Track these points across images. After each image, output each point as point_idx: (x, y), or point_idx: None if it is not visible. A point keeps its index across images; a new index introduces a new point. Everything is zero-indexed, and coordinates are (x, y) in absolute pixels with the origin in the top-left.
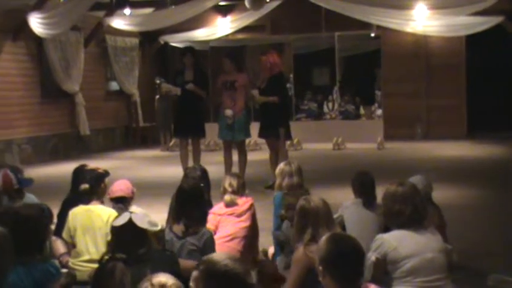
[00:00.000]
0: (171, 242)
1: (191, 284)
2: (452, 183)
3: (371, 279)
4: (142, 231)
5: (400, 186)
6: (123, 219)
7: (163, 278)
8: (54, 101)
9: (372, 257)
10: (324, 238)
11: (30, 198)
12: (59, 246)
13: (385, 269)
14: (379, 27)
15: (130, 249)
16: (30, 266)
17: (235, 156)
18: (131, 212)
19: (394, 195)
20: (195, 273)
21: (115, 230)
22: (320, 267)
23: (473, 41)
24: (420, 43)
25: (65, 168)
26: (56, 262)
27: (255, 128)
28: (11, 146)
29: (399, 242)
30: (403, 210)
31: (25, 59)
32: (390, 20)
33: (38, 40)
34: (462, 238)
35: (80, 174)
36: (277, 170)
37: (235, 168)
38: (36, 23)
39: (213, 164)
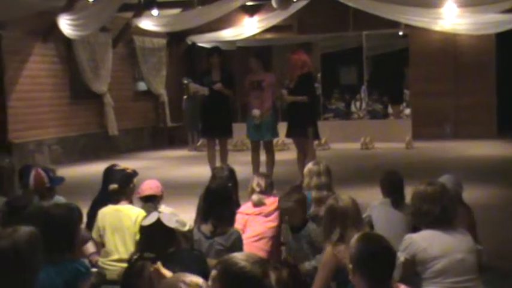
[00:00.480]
0: (199, 242)
1: (209, 282)
2: (482, 182)
3: (400, 280)
4: (171, 231)
5: (430, 186)
6: (151, 218)
7: (194, 278)
8: (83, 102)
9: (400, 257)
10: (355, 237)
11: (60, 200)
12: (89, 246)
13: (414, 269)
14: (407, 25)
15: (159, 248)
16: (60, 265)
17: (263, 156)
18: (159, 212)
19: (423, 195)
20: (213, 273)
21: (143, 230)
22: (350, 266)
23: (503, 39)
24: (449, 41)
25: (94, 168)
26: (86, 261)
27: (282, 127)
28: (42, 147)
29: (428, 242)
30: (432, 210)
31: (55, 60)
32: (419, 19)
33: (67, 41)
34: (492, 238)
35: (109, 174)
36: (305, 170)
37: (263, 168)
38: (65, 24)
39: (241, 164)
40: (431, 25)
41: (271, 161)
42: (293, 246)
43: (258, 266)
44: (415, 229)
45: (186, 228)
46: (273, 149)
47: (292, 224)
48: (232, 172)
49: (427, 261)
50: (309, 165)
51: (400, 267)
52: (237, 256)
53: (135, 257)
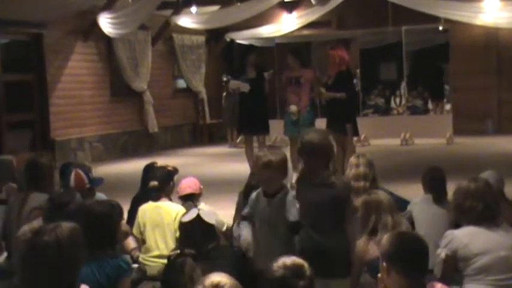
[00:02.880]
0: (239, 239)
1: None
2: None
3: (441, 276)
4: (211, 227)
5: (473, 182)
6: (191, 215)
7: (216, 277)
8: (123, 99)
9: (441, 253)
10: (387, 235)
11: (101, 197)
12: (130, 242)
13: (455, 266)
14: (447, 20)
15: (199, 244)
16: (103, 262)
17: None
18: (199, 209)
19: (466, 191)
20: None
21: (183, 226)
22: (384, 264)
23: None
24: (491, 36)
25: (134, 166)
26: (128, 257)
27: (321, 124)
28: (83, 144)
29: (470, 238)
30: (474, 206)
31: (95, 58)
32: (459, 13)
33: (107, 40)
34: None
35: (149, 171)
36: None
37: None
38: (105, 23)
39: None
40: (472, 19)
41: None
42: (265, 214)
43: (290, 271)
44: (457, 226)
45: (224, 228)
46: None
47: (270, 191)
48: None
49: (469, 257)
50: (351, 158)
51: (441, 263)
52: (277, 263)
53: (175, 253)
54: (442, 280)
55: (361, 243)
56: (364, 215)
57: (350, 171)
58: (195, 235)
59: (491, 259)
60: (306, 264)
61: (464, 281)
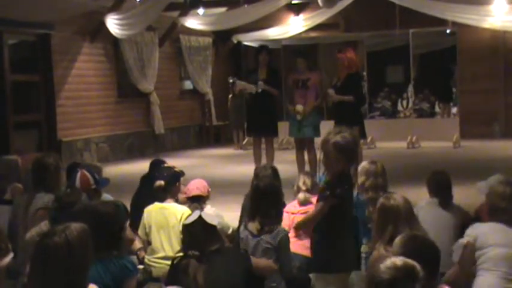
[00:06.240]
0: (245, 240)
1: None
2: None
3: (458, 262)
4: (213, 228)
5: (508, 185)
6: (193, 217)
7: None
8: (130, 100)
9: (464, 240)
10: (399, 237)
11: (107, 198)
12: (136, 242)
13: (473, 254)
14: (454, 23)
15: (202, 246)
16: (108, 262)
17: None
18: (202, 210)
19: (502, 194)
20: None
21: (186, 228)
22: None
23: None
24: (498, 39)
25: (141, 166)
26: (134, 258)
27: (327, 127)
28: (89, 145)
29: (491, 230)
30: (510, 208)
31: (102, 59)
32: (467, 16)
33: (114, 41)
34: None
35: (157, 169)
36: (360, 169)
37: (307, 167)
38: (113, 24)
39: (286, 163)
40: (480, 23)
41: (313, 160)
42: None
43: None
44: (462, 229)
45: (229, 231)
46: (315, 147)
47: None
48: (275, 171)
49: (484, 246)
50: (365, 164)
51: (461, 248)
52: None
53: (179, 255)
54: (458, 265)
55: (376, 254)
56: (381, 222)
57: (367, 180)
58: (198, 236)
59: (506, 252)
60: (417, 265)
61: (478, 273)
